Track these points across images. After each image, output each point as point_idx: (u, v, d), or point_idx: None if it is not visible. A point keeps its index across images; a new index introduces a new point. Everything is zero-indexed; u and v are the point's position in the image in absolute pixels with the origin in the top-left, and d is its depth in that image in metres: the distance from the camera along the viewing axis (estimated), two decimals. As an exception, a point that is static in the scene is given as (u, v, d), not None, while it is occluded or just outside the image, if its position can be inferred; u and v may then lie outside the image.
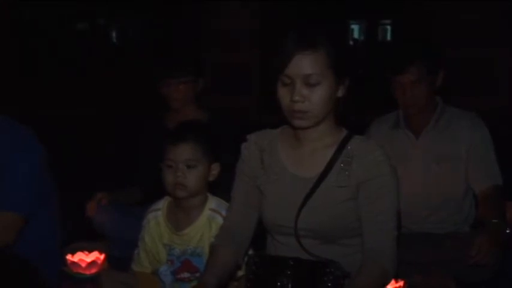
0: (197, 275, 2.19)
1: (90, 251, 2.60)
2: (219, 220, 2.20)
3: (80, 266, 2.55)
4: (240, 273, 2.13)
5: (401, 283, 2.37)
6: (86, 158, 5.68)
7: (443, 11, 6.91)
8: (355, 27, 10.43)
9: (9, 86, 6.86)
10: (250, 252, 2.14)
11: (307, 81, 1.88)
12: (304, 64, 1.88)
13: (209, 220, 2.23)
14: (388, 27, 9.93)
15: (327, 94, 1.91)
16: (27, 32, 7.71)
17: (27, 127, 2.52)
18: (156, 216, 2.30)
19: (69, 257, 2.57)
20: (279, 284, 1.90)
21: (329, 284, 1.88)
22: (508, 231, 2.62)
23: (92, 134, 6.67)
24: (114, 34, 8.82)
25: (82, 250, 2.58)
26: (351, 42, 9.98)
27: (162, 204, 2.32)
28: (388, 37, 9.93)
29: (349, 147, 1.97)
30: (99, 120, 7.18)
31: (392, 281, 2.30)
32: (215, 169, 2.27)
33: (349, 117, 2.03)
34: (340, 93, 1.95)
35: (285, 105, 1.93)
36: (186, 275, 2.24)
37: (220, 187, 2.30)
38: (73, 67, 7.72)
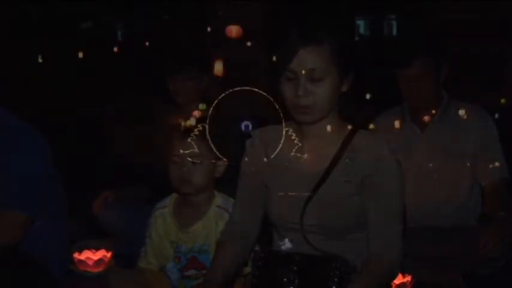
0: (204, 272, 2.19)
1: (97, 249, 2.60)
2: (226, 217, 2.19)
3: (87, 264, 2.56)
4: (247, 269, 2.13)
5: (408, 278, 2.37)
6: (86, 158, 5.67)
7: (443, 10, 6.92)
8: (360, 23, 10.37)
9: (8, 86, 6.86)
10: (257, 248, 2.13)
11: (311, 76, 1.88)
12: (308, 59, 1.87)
13: (216, 217, 2.23)
14: (394, 23, 9.89)
15: (331, 89, 1.91)
16: (27, 32, 7.71)
17: (30, 125, 2.51)
18: (163, 214, 2.30)
19: (76, 255, 2.58)
20: (285, 279, 1.90)
21: (335, 279, 1.87)
22: None
23: (93, 133, 6.65)
24: (114, 34, 8.84)
25: (89, 248, 2.59)
26: (357, 38, 9.93)
27: (169, 201, 2.32)
28: (394, 32, 9.91)
29: (353, 142, 1.97)
30: (100, 119, 7.16)
31: (400, 276, 2.30)
32: (221, 165, 2.27)
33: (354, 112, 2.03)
34: (344, 89, 1.95)
35: (289, 101, 1.92)
36: (193, 272, 2.24)
37: (225, 183, 2.30)
38: (74, 67, 7.71)
